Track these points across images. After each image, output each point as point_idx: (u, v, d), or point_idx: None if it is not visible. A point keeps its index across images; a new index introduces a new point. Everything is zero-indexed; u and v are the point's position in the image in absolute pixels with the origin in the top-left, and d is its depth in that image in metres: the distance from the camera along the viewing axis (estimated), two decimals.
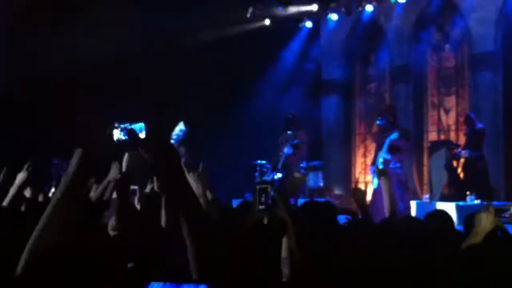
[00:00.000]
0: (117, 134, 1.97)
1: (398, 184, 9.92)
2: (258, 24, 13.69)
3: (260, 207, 2.69)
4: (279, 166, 10.57)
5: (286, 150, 10.43)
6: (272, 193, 2.71)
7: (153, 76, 11.59)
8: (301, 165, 10.77)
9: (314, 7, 13.71)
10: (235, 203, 6.39)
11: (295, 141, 10.34)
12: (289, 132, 10.62)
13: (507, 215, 3.20)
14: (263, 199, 2.71)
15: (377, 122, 10.34)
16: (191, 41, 12.19)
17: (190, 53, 12.10)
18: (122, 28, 11.08)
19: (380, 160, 10.11)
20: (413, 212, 10.31)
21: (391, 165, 9.95)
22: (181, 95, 11.89)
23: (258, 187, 2.74)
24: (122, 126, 1.96)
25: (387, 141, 10.00)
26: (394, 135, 9.99)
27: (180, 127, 9.77)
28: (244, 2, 13.46)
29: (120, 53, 11.10)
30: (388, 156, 9.90)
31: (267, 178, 10.77)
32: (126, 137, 1.92)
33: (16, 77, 10.68)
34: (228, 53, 12.50)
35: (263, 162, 11.50)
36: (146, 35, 11.64)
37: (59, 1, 11.19)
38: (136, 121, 1.98)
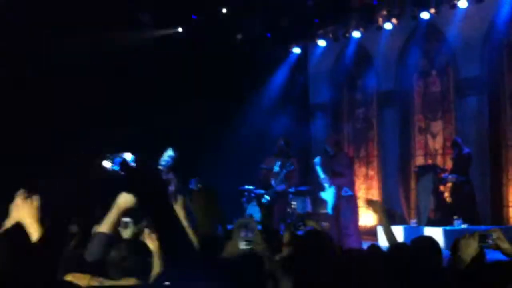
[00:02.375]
0: (108, 165, 1.93)
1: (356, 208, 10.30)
2: (246, 47, 13.77)
3: (241, 242, 2.68)
4: (271, 193, 10.61)
5: (279, 187, 10.53)
6: (252, 228, 2.70)
7: (140, 100, 11.61)
8: (290, 190, 10.80)
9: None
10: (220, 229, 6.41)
11: (292, 167, 10.40)
12: (278, 160, 10.63)
13: (490, 241, 3.25)
14: (243, 233, 2.71)
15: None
16: (179, 64, 12.22)
17: (177, 76, 12.14)
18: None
19: (326, 185, 10.40)
20: (401, 237, 10.35)
21: (342, 193, 10.20)
22: (169, 120, 11.90)
23: (239, 222, 2.75)
24: (113, 157, 1.93)
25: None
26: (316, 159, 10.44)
27: (169, 153, 9.78)
28: (232, 27, 13.56)
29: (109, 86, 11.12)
30: (334, 183, 10.20)
31: (253, 205, 10.77)
32: (118, 168, 1.89)
33: None
34: (216, 77, 12.56)
35: (251, 187, 11.50)
36: (135, 59, 11.65)
37: None
38: (125, 152, 1.95)
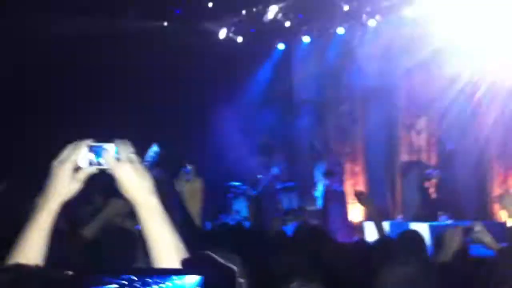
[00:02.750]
0: (89, 156, 1.81)
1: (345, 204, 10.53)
2: (230, 43, 13.70)
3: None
4: (260, 188, 10.74)
5: (274, 169, 10.64)
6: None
7: (127, 94, 11.54)
8: (277, 187, 10.88)
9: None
10: (208, 225, 6.39)
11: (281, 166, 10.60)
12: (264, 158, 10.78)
13: (474, 235, 3.27)
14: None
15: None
16: (163, 58, 12.14)
17: (161, 71, 12.08)
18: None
19: (320, 186, 10.60)
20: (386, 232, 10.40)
21: (334, 187, 10.44)
22: (155, 115, 11.86)
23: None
24: (95, 146, 1.80)
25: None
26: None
27: (154, 149, 9.77)
28: (219, 22, 13.51)
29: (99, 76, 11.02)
30: (327, 182, 10.44)
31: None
32: (100, 158, 1.78)
33: None
34: (201, 73, 12.53)
35: (237, 183, 11.51)
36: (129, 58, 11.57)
37: None
38: (108, 141, 1.83)
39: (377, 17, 12.82)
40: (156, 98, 11.97)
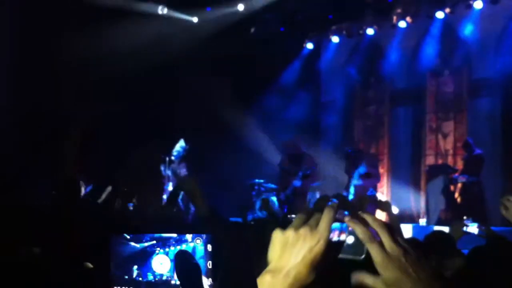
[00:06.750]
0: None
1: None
2: (259, 43, 13.69)
3: None
4: (288, 191, 10.73)
5: (295, 182, 10.64)
6: None
7: (153, 89, 11.61)
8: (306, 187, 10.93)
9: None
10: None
11: (308, 171, 10.52)
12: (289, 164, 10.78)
13: None
14: None
15: None
16: (192, 54, 12.21)
17: (190, 68, 12.13)
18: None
19: (351, 189, 10.51)
20: (409, 236, 10.33)
21: (368, 193, 10.37)
22: (183, 112, 11.90)
23: None
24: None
25: (356, 173, 10.48)
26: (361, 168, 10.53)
27: (181, 144, 9.85)
28: (247, 21, 13.51)
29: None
30: (360, 182, 10.32)
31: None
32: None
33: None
34: (229, 72, 12.53)
35: (261, 181, 11.51)
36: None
37: None
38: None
39: (408, 19, 12.73)
40: (182, 94, 12.05)
